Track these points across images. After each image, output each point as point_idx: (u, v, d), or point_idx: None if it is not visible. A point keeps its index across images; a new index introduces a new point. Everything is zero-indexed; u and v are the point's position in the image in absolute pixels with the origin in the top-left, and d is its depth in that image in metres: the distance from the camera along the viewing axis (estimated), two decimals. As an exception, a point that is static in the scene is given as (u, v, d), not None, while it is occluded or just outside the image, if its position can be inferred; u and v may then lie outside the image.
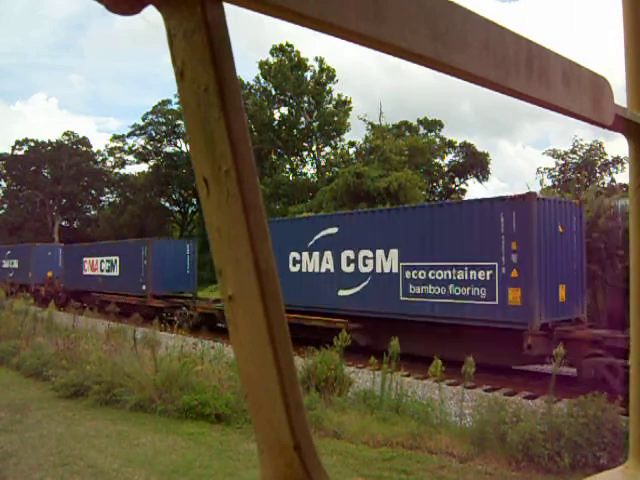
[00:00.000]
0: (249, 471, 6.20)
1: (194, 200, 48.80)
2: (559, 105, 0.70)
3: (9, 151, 55.33)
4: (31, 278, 31.18)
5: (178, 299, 21.84)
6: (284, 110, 42.82)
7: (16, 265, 33.97)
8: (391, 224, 13.05)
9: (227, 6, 0.45)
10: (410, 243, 12.54)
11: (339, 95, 42.90)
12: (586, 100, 0.75)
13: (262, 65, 41.33)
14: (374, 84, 66.81)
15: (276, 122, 42.53)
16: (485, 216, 11.23)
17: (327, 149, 43.99)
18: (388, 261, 12.99)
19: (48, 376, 10.30)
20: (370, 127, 38.10)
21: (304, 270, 14.99)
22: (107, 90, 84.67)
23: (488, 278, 11.11)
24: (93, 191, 57.43)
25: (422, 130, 44.60)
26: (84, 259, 27.29)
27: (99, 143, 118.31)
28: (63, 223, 56.36)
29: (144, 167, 53.18)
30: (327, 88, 42.34)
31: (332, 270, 14.32)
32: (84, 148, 56.25)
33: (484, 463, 6.61)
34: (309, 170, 45.38)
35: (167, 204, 52.56)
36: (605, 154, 31.62)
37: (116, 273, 24.36)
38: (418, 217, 12.66)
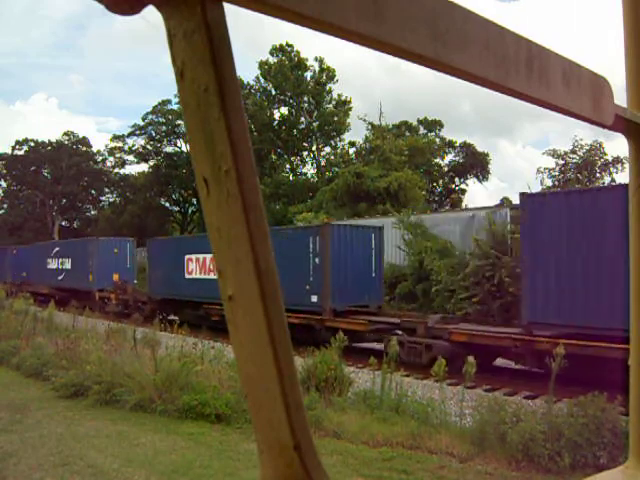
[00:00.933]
0: (249, 471, 6.20)
1: (194, 200, 48.79)
2: (559, 105, 0.70)
3: (9, 151, 55.42)
4: (93, 282, 24.17)
5: (368, 316, 14.28)
6: (284, 110, 42.90)
7: (68, 265, 26.57)
8: None
9: (227, 6, 0.45)
10: None
11: (339, 95, 42.96)
12: (586, 100, 0.75)
13: (262, 65, 41.34)
14: (374, 84, 66.87)
15: (276, 122, 42.55)
16: None
17: (327, 149, 44.06)
18: None
19: (48, 376, 10.30)
20: (370, 127, 38.13)
21: None
22: (107, 90, 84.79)
23: None
24: (93, 191, 57.44)
25: (422, 130, 44.62)
26: (187, 257, 19.58)
27: (99, 143, 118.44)
28: (63, 223, 56.37)
29: (144, 167, 53.24)
30: (327, 88, 42.36)
31: None
32: (84, 148, 56.27)
33: (484, 463, 6.61)
34: (309, 170, 45.42)
35: (167, 204, 52.61)
36: (605, 154, 31.63)
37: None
38: None
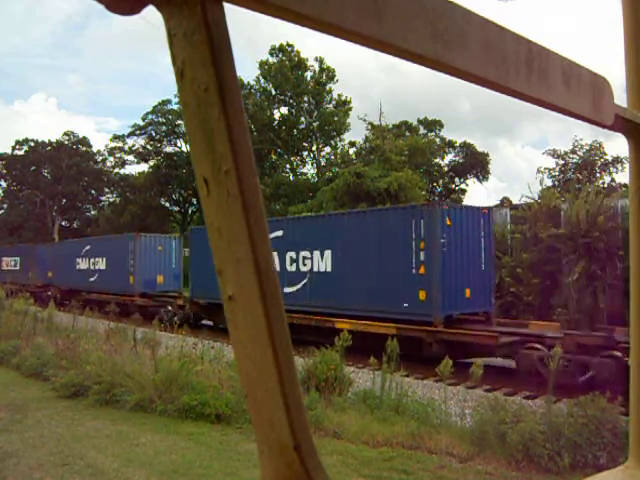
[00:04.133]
0: (249, 471, 6.20)
1: (194, 200, 48.80)
2: (559, 105, 0.70)
3: (9, 151, 55.43)
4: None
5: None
6: (284, 110, 42.86)
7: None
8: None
9: (227, 6, 0.45)
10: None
11: (339, 95, 42.94)
12: (586, 100, 0.75)
13: (262, 65, 41.33)
14: (372, 84, 66.84)
15: (276, 122, 42.52)
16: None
17: (327, 149, 44.03)
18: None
19: (48, 376, 10.30)
20: (370, 127, 38.12)
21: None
22: (107, 90, 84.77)
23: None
24: (93, 191, 57.45)
25: (422, 130, 44.62)
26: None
27: (99, 143, 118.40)
28: (63, 223, 56.37)
29: (144, 167, 53.24)
30: (327, 88, 42.34)
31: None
32: (84, 148, 56.29)
33: (484, 463, 6.61)
34: (309, 170, 45.40)
35: (167, 204, 52.56)
36: (605, 154, 31.64)
37: None
38: None
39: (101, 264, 24.77)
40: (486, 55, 0.59)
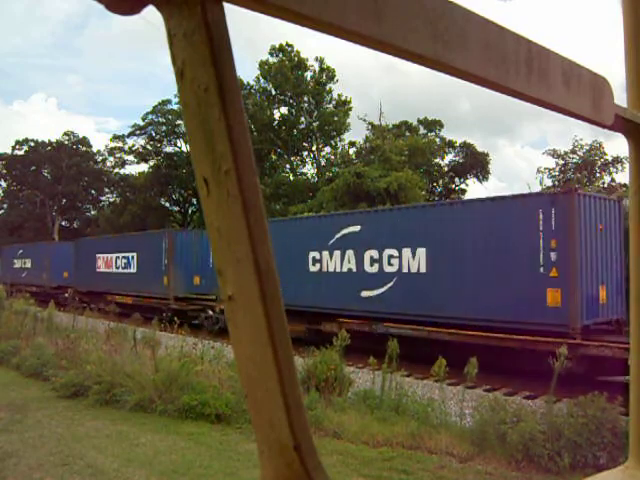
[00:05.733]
0: (249, 471, 6.20)
1: (194, 200, 48.78)
2: (559, 105, 0.70)
3: (9, 151, 55.41)
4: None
5: None
6: (284, 110, 42.83)
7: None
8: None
9: (227, 6, 0.45)
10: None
11: (339, 95, 42.92)
12: (586, 100, 0.75)
13: (262, 65, 41.32)
14: (372, 84, 66.79)
15: (276, 122, 42.49)
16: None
17: (327, 149, 44.00)
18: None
19: (48, 376, 10.30)
20: (370, 127, 38.12)
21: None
22: (107, 90, 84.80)
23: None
24: (93, 191, 57.44)
25: (422, 130, 44.59)
26: None
27: (99, 143, 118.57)
28: (63, 223, 56.37)
29: (144, 167, 53.18)
30: (327, 88, 42.33)
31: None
32: (84, 148, 56.28)
33: (484, 463, 6.61)
34: (309, 170, 45.37)
35: (167, 204, 52.51)
36: (605, 154, 31.61)
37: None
38: None
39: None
40: (486, 55, 0.59)
